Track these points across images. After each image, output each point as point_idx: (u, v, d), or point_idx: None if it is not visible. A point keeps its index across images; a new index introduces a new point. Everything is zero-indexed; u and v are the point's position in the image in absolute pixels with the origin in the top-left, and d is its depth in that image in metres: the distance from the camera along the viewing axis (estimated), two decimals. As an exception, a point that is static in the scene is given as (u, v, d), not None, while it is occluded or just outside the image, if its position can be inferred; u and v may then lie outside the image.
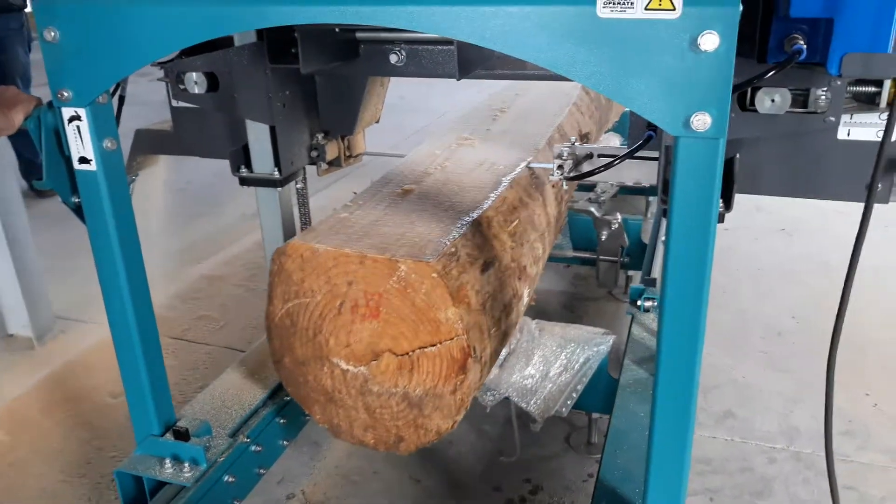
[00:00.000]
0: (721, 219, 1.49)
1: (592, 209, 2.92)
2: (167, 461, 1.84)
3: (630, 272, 3.33)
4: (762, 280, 3.54)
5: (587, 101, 3.28)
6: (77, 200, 1.67)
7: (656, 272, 2.66)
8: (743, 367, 2.86)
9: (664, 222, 2.57)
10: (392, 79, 2.30)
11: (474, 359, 1.66)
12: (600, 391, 2.22)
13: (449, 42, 1.78)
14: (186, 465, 1.84)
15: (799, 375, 2.80)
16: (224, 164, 2.22)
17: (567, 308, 3.34)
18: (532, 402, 2.16)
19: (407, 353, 1.68)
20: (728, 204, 1.50)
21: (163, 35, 1.41)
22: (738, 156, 1.50)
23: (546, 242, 2.25)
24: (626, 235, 3.03)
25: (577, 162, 1.99)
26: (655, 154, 1.87)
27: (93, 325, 3.31)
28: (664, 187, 1.55)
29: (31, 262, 3.24)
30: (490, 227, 1.87)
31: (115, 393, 2.79)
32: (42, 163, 1.66)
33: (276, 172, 2.14)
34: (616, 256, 3.15)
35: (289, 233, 2.30)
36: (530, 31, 1.17)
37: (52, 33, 1.46)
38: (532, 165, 2.30)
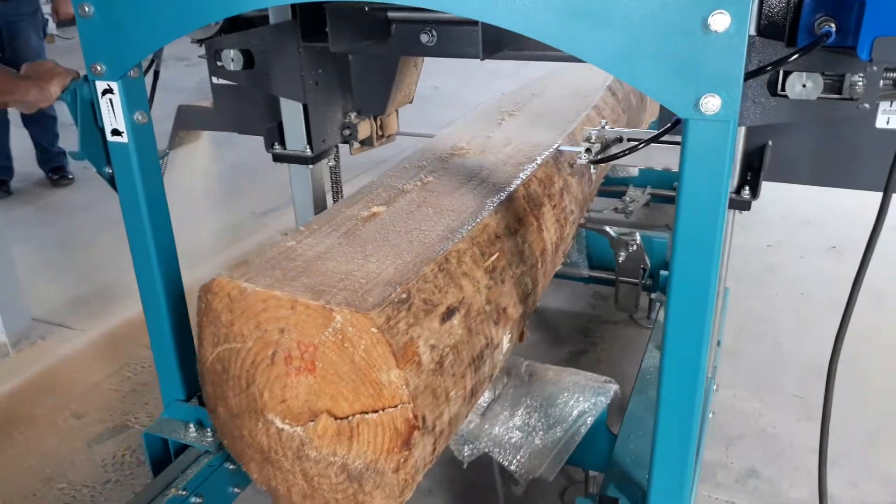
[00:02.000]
0: (747, 206, 1.48)
1: (608, 228, 2.60)
2: (191, 425, 1.86)
3: (653, 294, 2.99)
4: (805, 308, 3.17)
5: (612, 103, 2.94)
6: (110, 171, 1.72)
7: None
8: (773, 415, 2.51)
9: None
10: (427, 68, 2.29)
11: (423, 431, 1.37)
12: (597, 449, 1.91)
13: (475, 22, 1.74)
14: (209, 430, 1.84)
15: (840, 428, 2.42)
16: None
17: (581, 332, 3.02)
18: (515, 460, 1.87)
19: (347, 418, 1.40)
20: (755, 191, 1.43)
21: (190, 10, 1.43)
22: (769, 143, 1.45)
23: (540, 273, 1.94)
24: (647, 256, 2.70)
25: (606, 145, 1.90)
26: None
27: (75, 330, 3.13)
28: None
29: (6, 265, 3.06)
30: (460, 263, 1.58)
31: (80, 412, 2.59)
32: (78, 136, 1.71)
33: (308, 150, 2.17)
34: (636, 278, 2.84)
35: (320, 209, 2.30)
36: (540, 10, 1.15)
37: (88, 8, 1.50)
38: (562, 149, 2.22)
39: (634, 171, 3.73)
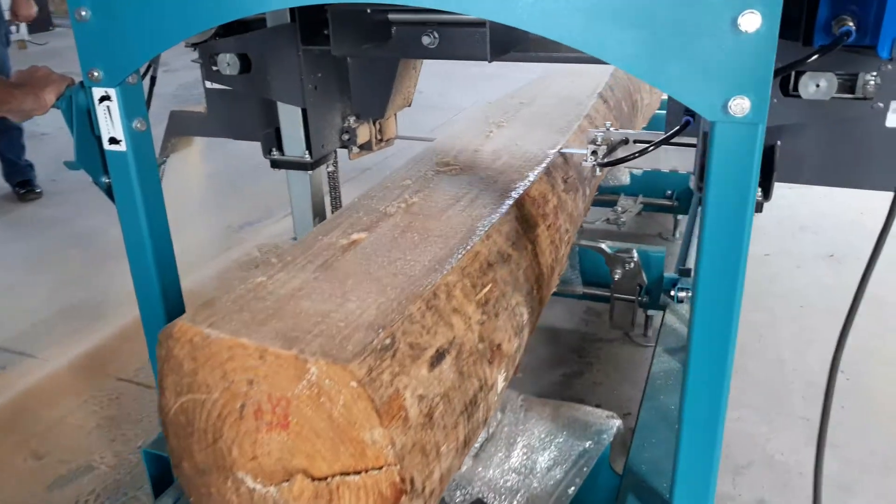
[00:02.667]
0: (759, 208, 1.44)
1: (603, 245, 2.46)
2: None
3: (650, 312, 2.85)
4: (805, 321, 3.04)
5: (604, 111, 2.81)
6: (107, 181, 1.67)
7: (690, 263, 2.61)
8: (780, 440, 2.38)
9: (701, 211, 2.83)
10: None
11: (412, 494, 1.22)
12: (600, 491, 1.76)
13: (481, 23, 1.72)
14: None
15: (850, 452, 2.31)
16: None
17: (574, 351, 2.88)
18: (512, 505, 1.72)
19: (325, 479, 1.24)
20: (767, 193, 1.43)
21: (191, 14, 1.39)
22: (778, 143, 1.44)
23: (536, 301, 1.79)
24: (643, 273, 2.56)
25: (612, 148, 1.88)
26: (694, 140, 1.72)
27: (38, 360, 2.94)
28: (701, 175, 1.43)
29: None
30: (450, 297, 1.43)
31: (41, 452, 2.41)
32: (74, 145, 1.66)
33: (307, 155, 2.12)
34: (633, 295, 2.70)
35: (319, 217, 2.26)
36: (564, 11, 1.13)
37: (84, 12, 1.46)
38: (564, 151, 2.18)
39: (625, 179, 3.60)
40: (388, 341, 1.24)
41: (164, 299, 1.73)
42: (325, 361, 1.16)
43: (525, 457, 1.77)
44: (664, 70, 1.11)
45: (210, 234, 4.09)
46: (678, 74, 1.10)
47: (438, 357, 1.32)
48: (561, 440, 1.77)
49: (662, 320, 2.38)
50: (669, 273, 2.68)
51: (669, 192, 3.67)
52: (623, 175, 3.61)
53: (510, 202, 1.81)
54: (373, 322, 1.28)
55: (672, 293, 2.46)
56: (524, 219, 1.81)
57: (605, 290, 2.71)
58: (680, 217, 3.78)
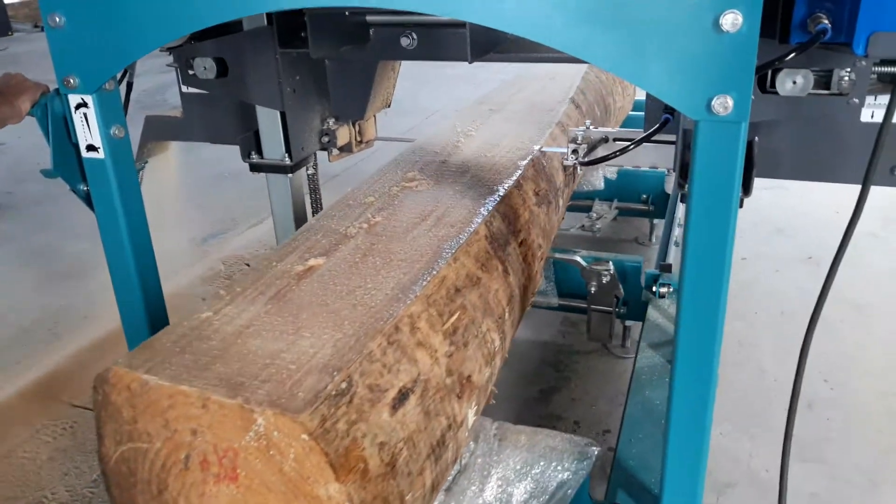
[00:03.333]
0: (740, 204, 1.42)
1: (578, 258, 2.37)
2: None
3: (629, 322, 2.77)
4: (786, 327, 2.97)
5: (577, 117, 2.72)
6: (85, 188, 1.64)
7: (671, 258, 2.65)
8: (764, 455, 2.30)
9: (680, 207, 2.94)
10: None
11: (373, 553, 1.11)
12: (580, 524, 1.67)
13: (461, 25, 1.71)
14: None
15: (836, 469, 2.24)
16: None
17: (551, 365, 2.78)
18: (487, 543, 1.62)
19: (279, 536, 1.13)
20: (747, 189, 1.42)
21: (169, 19, 1.37)
22: (756, 139, 1.43)
23: (509, 325, 1.69)
24: (620, 286, 2.47)
25: (592, 146, 1.88)
26: (673, 137, 1.74)
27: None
28: (682, 171, 1.47)
29: None
30: (414, 330, 1.32)
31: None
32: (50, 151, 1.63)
33: (287, 158, 2.11)
34: (610, 306, 2.61)
35: (300, 220, 2.24)
36: (545, 12, 1.13)
37: (58, 19, 1.43)
38: (544, 150, 2.19)
39: (599, 184, 3.52)
40: (344, 385, 1.13)
41: (147, 308, 1.70)
42: (273, 412, 1.05)
43: (500, 490, 1.66)
44: (647, 70, 1.11)
45: (172, 247, 3.93)
46: (661, 74, 1.10)
47: (401, 398, 1.22)
48: (538, 471, 1.67)
49: (644, 319, 2.40)
50: (650, 269, 2.63)
51: (645, 196, 3.59)
52: (597, 179, 3.53)
53: (479, 220, 1.70)
54: (327, 363, 1.17)
55: (654, 289, 2.48)
56: (494, 237, 1.71)
57: (582, 301, 2.62)
58: (656, 221, 3.70)
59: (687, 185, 1.18)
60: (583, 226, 3.29)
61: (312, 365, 1.16)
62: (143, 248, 1.68)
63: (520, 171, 2.02)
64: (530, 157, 2.14)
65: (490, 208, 1.77)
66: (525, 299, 1.85)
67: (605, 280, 2.37)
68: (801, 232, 3.79)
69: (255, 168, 2.17)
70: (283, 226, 2.28)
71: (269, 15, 1.90)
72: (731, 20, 1.03)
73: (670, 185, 3.59)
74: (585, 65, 3.32)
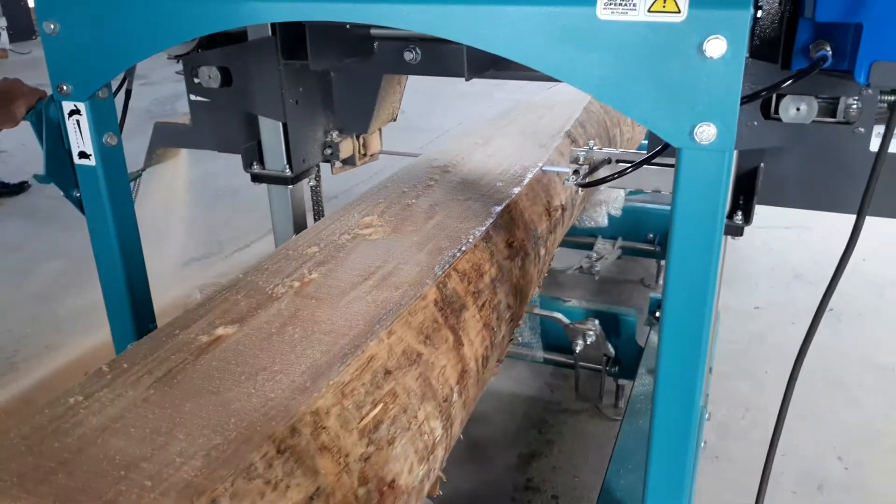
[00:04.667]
0: (740, 232, 1.47)
1: (560, 316, 2.12)
2: None
3: (621, 381, 2.51)
4: (799, 391, 2.67)
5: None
6: (78, 194, 1.65)
7: None
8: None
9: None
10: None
11: None
12: None
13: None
14: None
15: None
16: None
17: (535, 425, 2.53)
18: None
19: None
20: (747, 216, 1.42)
21: (161, 29, 1.38)
22: (761, 166, 1.44)
23: (458, 406, 1.45)
24: (608, 345, 2.22)
25: (594, 167, 1.82)
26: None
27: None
28: None
29: None
30: (318, 430, 1.09)
31: None
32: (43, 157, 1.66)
33: (288, 170, 2.10)
34: (599, 364, 2.36)
35: (300, 231, 2.08)
36: (528, 33, 1.12)
37: (53, 26, 1.45)
38: (545, 169, 2.14)
39: (603, 221, 3.27)
40: (204, 514, 0.90)
41: (135, 316, 1.69)
42: (97, 558, 0.82)
43: None
44: (630, 95, 1.08)
45: (151, 269, 3.75)
46: (643, 100, 1.07)
47: (288, 523, 0.98)
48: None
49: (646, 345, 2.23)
50: (655, 295, 2.50)
51: (651, 235, 3.33)
52: (600, 216, 3.28)
53: (430, 281, 1.47)
54: (191, 482, 0.93)
55: (657, 314, 2.35)
56: (447, 302, 1.48)
57: (570, 356, 2.37)
58: (663, 262, 3.44)
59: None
60: (581, 267, 3.04)
61: (172, 483, 0.93)
62: (132, 256, 1.67)
63: (491, 220, 1.79)
64: (506, 201, 1.90)
65: (447, 265, 1.54)
66: (485, 371, 1.61)
67: (589, 340, 2.12)
68: (822, 279, 3.47)
69: (256, 178, 2.17)
70: (282, 239, 2.26)
71: (273, 25, 1.90)
72: (716, 47, 1.00)
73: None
74: (588, 96, 3.08)
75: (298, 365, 1.19)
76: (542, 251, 2.06)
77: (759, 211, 3.82)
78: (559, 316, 2.15)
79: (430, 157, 2.29)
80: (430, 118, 6.70)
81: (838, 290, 3.54)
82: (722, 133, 1.05)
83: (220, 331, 1.29)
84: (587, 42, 1.08)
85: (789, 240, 3.93)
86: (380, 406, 1.19)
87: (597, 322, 2.15)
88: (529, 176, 2.10)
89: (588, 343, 2.15)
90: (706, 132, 1.05)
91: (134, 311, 1.69)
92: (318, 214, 2.37)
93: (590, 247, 3.33)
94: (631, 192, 3.77)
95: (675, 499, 1.33)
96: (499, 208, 1.85)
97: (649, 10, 1.03)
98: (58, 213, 4.65)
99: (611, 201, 3.28)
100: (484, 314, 1.59)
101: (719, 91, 1.03)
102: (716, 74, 1.02)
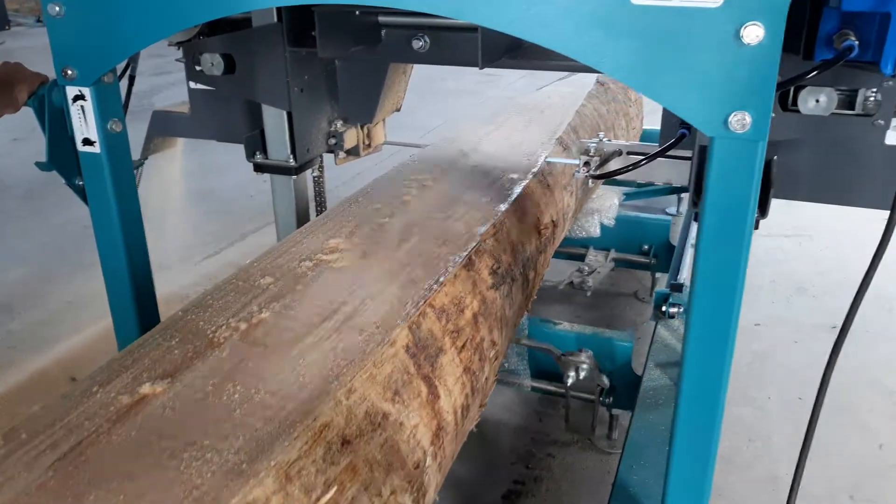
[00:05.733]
0: (755, 225, 1.40)
1: (551, 347, 1.92)
2: None
3: (616, 411, 2.31)
4: (806, 420, 2.49)
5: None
6: (80, 183, 1.62)
7: (683, 276, 2.55)
8: None
9: (694, 225, 2.96)
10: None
11: None
12: None
13: (474, 28, 1.66)
14: None
15: None
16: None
17: (522, 458, 2.32)
18: None
19: None
20: (763, 210, 1.36)
21: (171, 12, 1.33)
22: (775, 158, 1.35)
23: (431, 473, 1.24)
24: (603, 376, 2.02)
25: (605, 159, 1.79)
26: (688, 153, 1.68)
27: None
28: (696, 189, 1.38)
29: None
30: (254, 529, 0.88)
31: None
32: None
33: (292, 159, 2.06)
34: (592, 394, 2.16)
35: (303, 222, 2.19)
36: (557, 17, 1.08)
37: (57, 8, 1.40)
38: (550, 160, 2.15)
39: (595, 231, 3.07)
40: None
41: (138, 306, 1.67)
42: None
43: None
44: (661, 82, 1.06)
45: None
46: (676, 87, 1.05)
47: None
48: None
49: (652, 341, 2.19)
50: (661, 290, 2.45)
51: (646, 246, 3.13)
52: (592, 226, 3.08)
53: (401, 322, 1.26)
54: None
55: (663, 308, 2.35)
56: (420, 346, 1.27)
57: (560, 384, 2.17)
58: (659, 275, 3.24)
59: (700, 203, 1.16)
60: (572, 282, 2.84)
61: None
62: (136, 246, 1.64)
63: (474, 243, 1.58)
64: (491, 221, 1.69)
65: (421, 302, 1.33)
66: (464, 424, 1.41)
67: (582, 373, 1.92)
68: (826, 293, 3.31)
69: (258, 168, 2.12)
70: (285, 229, 2.22)
71: (278, 12, 1.84)
72: (753, 33, 0.98)
73: (675, 235, 3.14)
74: (582, 97, 2.89)
75: (235, 438, 0.98)
76: (532, 274, 1.85)
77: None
78: (549, 347, 1.95)
79: (406, 170, 2.08)
80: (416, 115, 6.45)
81: (842, 306, 3.32)
82: (757, 122, 1.01)
83: (145, 388, 1.08)
84: (619, 27, 1.05)
85: (790, 249, 3.74)
86: (334, 488, 0.99)
87: (590, 353, 1.95)
88: (518, 190, 1.89)
89: (580, 376, 1.95)
90: (741, 121, 1.02)
91: (137, 303, 1.66)
92: (321, 205, 2.35)
93: (581, 258, 3.12)
94: (627, 197, 3.59)
95: (698, 495, 1.30)
96: (482, 229, 1.65)
97: None
98: (15, 215, 4.42)
99: (604, 210, 3.08)
100: (464, 356, 1.38)
101: (756, 79, 1.00)
102: (752, 61, 0.99)
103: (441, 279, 1.42)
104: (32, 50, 10.84)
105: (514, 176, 1.99)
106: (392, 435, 1.13)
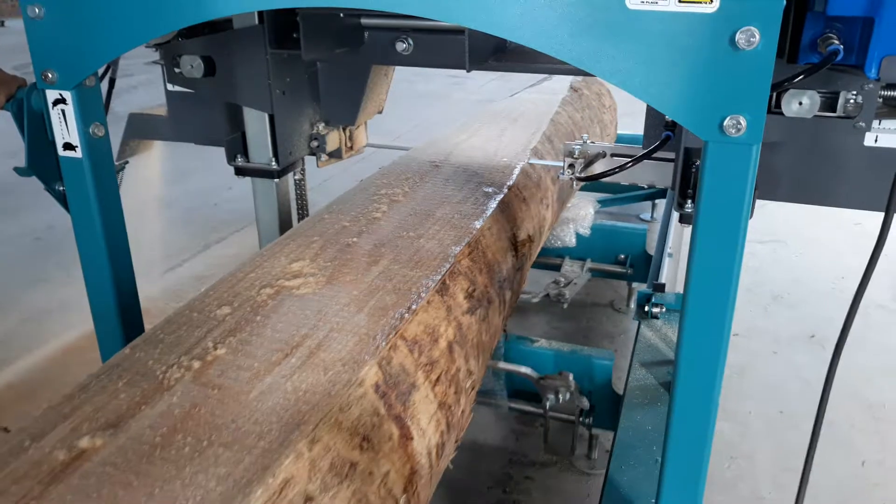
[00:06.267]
0: None
1: (528, 370, 1.83)
2: None
3: (595, 430, 2.23)
4: (789, 435, 2.45)
5: (536, 172, 2.18)
6: (61, 188, 1.58)
7: (663, 276, 2.55)
8: None
9: (674, 228, 2.83)
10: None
11: None
12: None
13: (460, 31, 1.67)
14: None
15: None
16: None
17: (499, 481, 2.23)
18: None
19: None
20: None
21: (155, 14, 1.31)
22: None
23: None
24: (584, 398, 1.94)
25: (589, 161, 1.79)
26: (671, 155, 1.67)
27: None
28: (682, 190, 1.40)
29: None
30: None
31: None
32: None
33: (274, 163, 2.06)
34: (572, 414, 2.08)
35: (285, 226, 2.18)
36: (552, 21, 1.07)
37: (37, 10, 1.37)
38: (532, 162, 2.15)
39: (570, 241, 2.99)
40: None
41: (121, 314, 1.63)
42: None
43: None
44: (657, 86, 1.06)
45: (59, 301, 3.35)
46: (671, 91, 1.05)
47: None
48: None
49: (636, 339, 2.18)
50: (644, 290, 2.44)
51: (622, 256, 3.06)
52: (568, 236, 3.01)
53: (370, 358, 1.16)
54: None
55: (646, 308, 2.36)
56: (392, 383, 1.17)
57: (539, 405, 2.08)
58: (635, 285, 3.17)
59: (687, 205, 1.17)
60: (548, 294, 2.75)
61: None
62: (119, 252, 1.61)
63: (448, 264, 1.48)
64: (466, 239, 1.60)
65: (392, 333, 1.23)
66: (443, 458, 1.31)
67: (562, 396, 1.84)
68: (802, 301, 3.28)
69: (240, 172, 2.10)
70: (267, 234, 2.21)
71: (260, 14, 1.84)
72: (748, 37, 0.98)
73: (653, 245, 3.08)
74: (556, 104, 2.81)
75: (184, 501, 0.87)
76: (509, 294, 1.76)
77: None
78: (527, 371, 1.86)
79: (377, 181, 1.98)
80: (383, 120, 6.35)
81: (819, 314, 3.30)
82: (751, 125, 1.02)
83: (84, 442, 0.96)
84: (615, 32, 1.05)
85: (764, 256, 3.70)
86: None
87: (570, 376, 1.86)
88: (493, 205, 1.80)
89: (560, 400, 1.86)
90: (736, 124, 1.02)
91: (121, 311, 1.62)
92: (303, 209, 2.34)
93: (556, 268, 3.04)
94: (603, 205, 3.52)
95: (692, 494, 1.28)
96: (457, 249, 1.55)
97: (680, 1, 1.00)
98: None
99: (579, 220, 3.01)
100: (439, 390, 1.29)
101: (750, 82, 1.00)
102: (747, 66, 1.00)
103: (413, 306, 1.32)
104: (13, 48, 10.41)
105: (489, 189, 1.90)
106: (361, 486, 1.03)
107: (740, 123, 1.02)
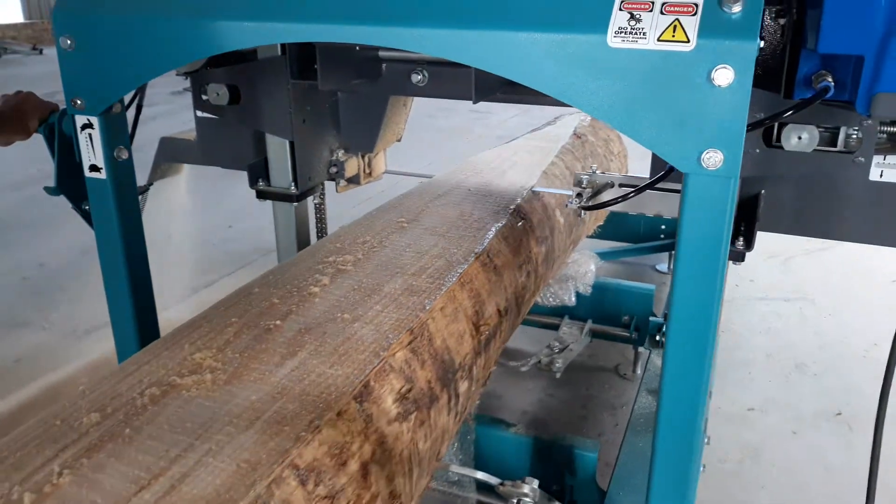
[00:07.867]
0: (741, 257, 1.47)
1: (486, 476, 1.58)
2: None
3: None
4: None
5: (519, 232, 1.95)
6: (87, 207, 1.67)
7: None
8: None
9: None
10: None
11: None
12: None
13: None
14: None
15: None
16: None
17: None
18: None
19: None
20: (749, 243, 1.44)
21: (175, 47, 1.41)
22: (762, 192, 1.47)
23: None
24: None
25: (597, 191, 1.79)
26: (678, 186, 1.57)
27: None
28: None
29: None
30: None
31: None
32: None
33: (293, 187, 2.15)
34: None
35: (303, 248, 2.18)
36: (538, 58, 1.14)
37: (69, 41, 1.48)
38: (536, 189, 2.17)
39: (570, 299, 2.74)
40: None
41: (140, 329, 1.71)
42: None
43: None
44: (638, 121, 1.10)
45: (44, 339, 3.21)
46: (652, 126, 1.09)
47: None
48: None
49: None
50: (655, 318, 2.59)
51: (627, 317, 2.80)
52: (567, 294, 2.76)
53: (242, 500, 0.93)
54: None
55: (658, 337, 2.57)
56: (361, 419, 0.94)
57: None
58: (641, 349, 2.90)
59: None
60: (539, 361, 2.51)
61: None
62: (139, 270, 1.69)
63: (377, 361, 1.26)
64: (409, 326, 1.37)
65: (279, 462, 1.01)
66: None
67: (526, 507, 1.59)
68: (828, 370, 2.97)
69: (261, 195, 2.19)
70: (286, 256, 2.29)
71: (283, 45, 1.93)
72: (724, 76, 1.02)
73: (661, 307, 2.82)
74: (554, 153, 2.58)
75: None
76: (465, 385, 1.52)
77: (757, 280, 3.39)
78: (485, 477, 1.61)
79: (332, 241, 1.77)
80: (400, 155, 6.19)
81: (847, 386, 2.95)
82: (728, 159, 1.06)
83: None
84: (597, 69, 1.10)
85: (789, 316, 3.40)
86: None
87: (536, 484, 1.61)
88: (452, 279, 1.57)
89: (524, 510, 1.61)
90: (713, 158, 1.06)
91: (139, 325, 1.70)
92: (322, 232, 2.41)
93: (554, 327, 2.80)
94: (604, 258, 3.27)
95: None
96: (393, 339, 1.32)
97: (659, 39, 1.06)
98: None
99: (579, 277, 2.75)
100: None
101: (726, 118, 1.05)
102: (723, 102, 1.04)
103: (317, 421, 1.09)
104: (18, 78, 10.62)
105: (453, 258, 1.68)
106: None
107: (717, 157, 1.06)
